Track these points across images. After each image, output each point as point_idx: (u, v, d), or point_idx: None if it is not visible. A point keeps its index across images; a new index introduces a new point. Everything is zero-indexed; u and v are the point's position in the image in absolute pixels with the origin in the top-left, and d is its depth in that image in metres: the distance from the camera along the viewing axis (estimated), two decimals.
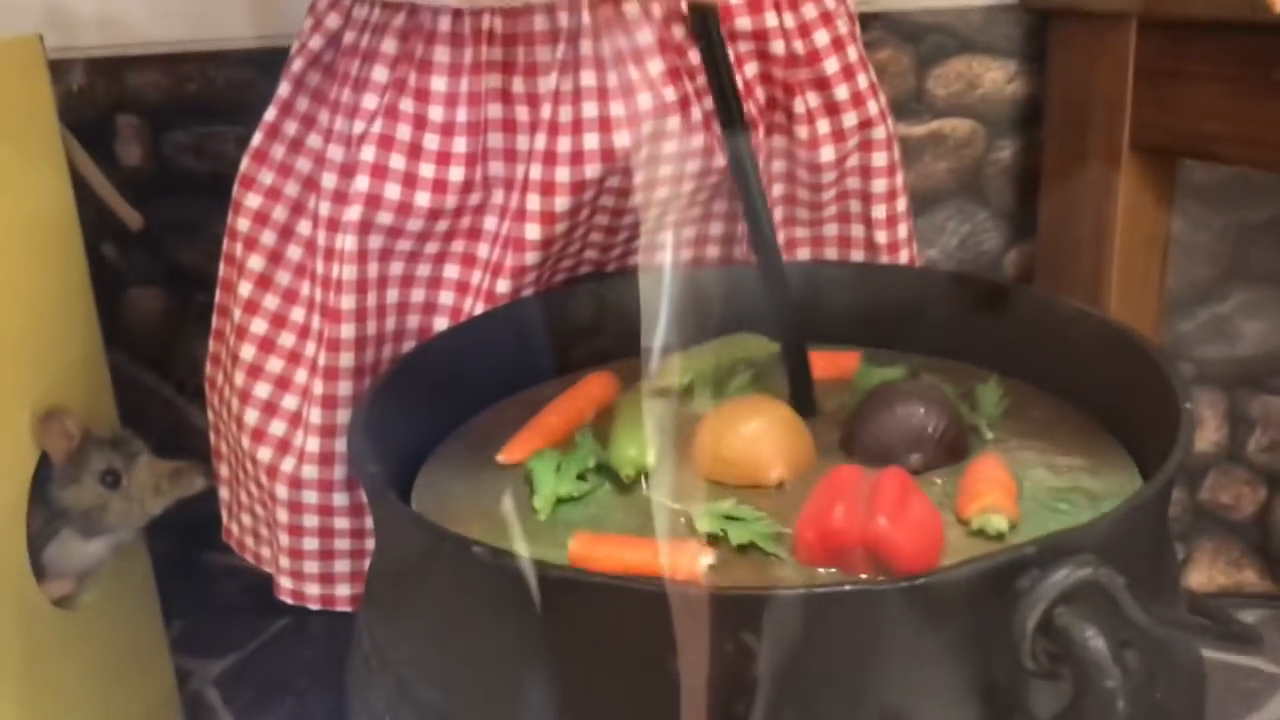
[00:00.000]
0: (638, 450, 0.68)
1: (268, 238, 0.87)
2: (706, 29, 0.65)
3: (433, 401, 0.76)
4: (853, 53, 0.86)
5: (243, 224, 0.87)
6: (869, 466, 0.62)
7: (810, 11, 0.84)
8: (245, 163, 0.87)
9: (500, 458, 0.71)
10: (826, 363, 0.76)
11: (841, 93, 0.85)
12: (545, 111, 0.79)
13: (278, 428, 0.86)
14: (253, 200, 0.87)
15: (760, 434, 0.67)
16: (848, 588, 0.49)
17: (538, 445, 0.71)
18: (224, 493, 0.96)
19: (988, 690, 0.51)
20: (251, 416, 0.87)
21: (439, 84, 0.80)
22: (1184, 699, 0.59)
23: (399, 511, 0.58)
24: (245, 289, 0.87)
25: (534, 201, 0.80)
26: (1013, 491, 0.62)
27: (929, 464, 0.65)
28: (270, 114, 0.87)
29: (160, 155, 1.26)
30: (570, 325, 0.84)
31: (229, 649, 1.40)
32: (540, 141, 0.80)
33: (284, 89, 0.87)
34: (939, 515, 0.59)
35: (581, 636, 0.52)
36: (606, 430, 0.70)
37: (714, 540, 0.60)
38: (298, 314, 0.87)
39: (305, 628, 1.42)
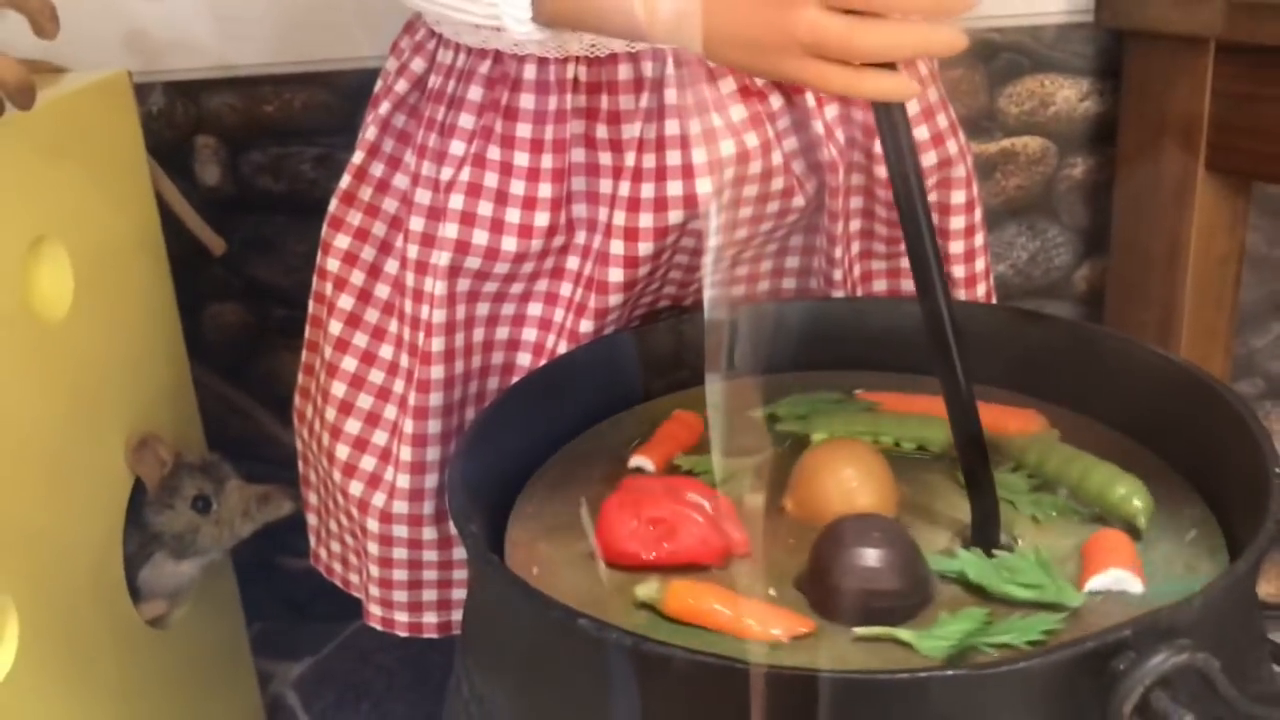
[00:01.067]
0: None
1: (357, 277, 0.89)
2: (891, 120, 0.61)
3: (523, 440, 0.78)
4: (933, 94, 0.86)
5: (332, 264, 0.89)
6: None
7: None
8: (334, 204, 0.89)
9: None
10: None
11: (922, 133, 0.85)
12: (629, 159, 0.80)
13: (368, 463, 0.88)
14: (342, 241, 0.89)
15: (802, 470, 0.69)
16: (949, 672, 0.50)
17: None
18: (312, 519, 0.99)
19: None
20: (343, 451, 0.89)
21: (524, 130, 0.82)
22: None
23: (503, 576, 0.60)
24: (336, 327, 0.89)
25: (618, 246, 0.82)
26: None
27: (810, 598, 0.61)
28: (358, 157, 0.89)
29: (238, 175, 1.28)
30: (651, 358, 0.85)
31: (306, 651, 1.43)
32: (624, 188, 0.81)
33: (371, 132, 0.88)
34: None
35: (682, 711, 0.54)
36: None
37: None
38: (386, 351, 0.89)
39: (380, 632, 1.45)
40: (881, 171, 0.86)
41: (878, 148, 0.86)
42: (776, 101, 0.83)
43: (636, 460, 0.75)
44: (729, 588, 0.62)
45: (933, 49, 0.61)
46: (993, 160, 1.23)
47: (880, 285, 0.94)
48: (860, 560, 0.59)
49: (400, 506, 0.87)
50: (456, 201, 0.82)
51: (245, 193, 1.29)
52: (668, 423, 0.78)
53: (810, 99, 0.83)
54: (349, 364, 0.89)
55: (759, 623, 0.59)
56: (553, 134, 0.82)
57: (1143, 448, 0.74)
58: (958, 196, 0.88)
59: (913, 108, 0.85)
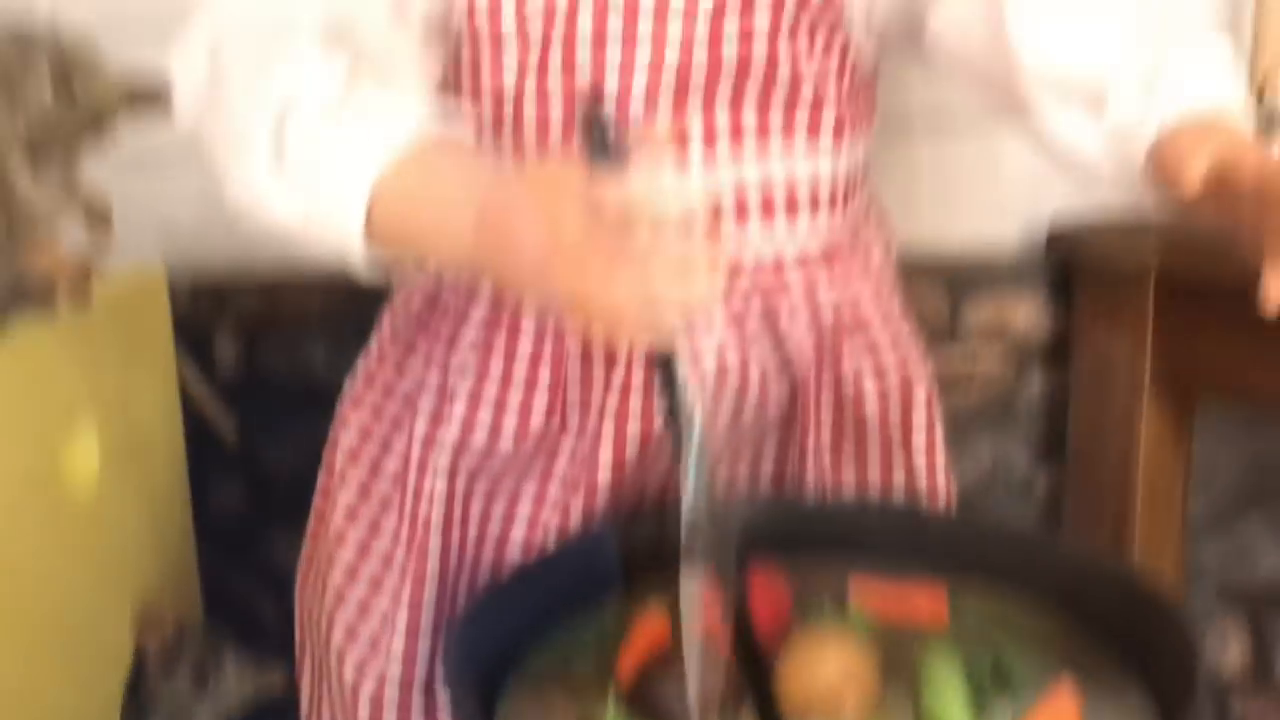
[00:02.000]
0: None
1: (360, 473, 0.96)
2: (670, 377, 0.69)
3: (510, 629, 0.83)
4: (900, 321, 0.96)
5: (338, 460, 0.96)
6: None
7: (859, 286, 0.94)
8: (343, 404, 0.97)
9: None
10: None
11: (888, 358, 0.94)
12: (618, 376, 0.88)
13: (361, 650, 0.93)
14: (347, 439, 0.96)
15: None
16: None
17: None
18: (305, 689, 1.03)
19: None
20: (337, 637, 0.94)
21: (525, 346, 0.90)
22: None
23: None
24: (337, 520, 0.96)
25: (606, 453, 0.89)
26: None
27: None
28: (369, 360, 0.97)
29: (252, 364, 1.36)
30: (632, 554, 0.91)
31: None
32: (614, 399, 0.89)
33: (383, 338, 0.97)
34: None
35: None
36: None
37: None
38: (382, 545, 0.95)
39: None
40: (850, 390, 0.94)
41: (847, 368, 0.94)
42: (754, 322, 0.92)
43: None
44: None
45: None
46: (956, 374, 1.32)
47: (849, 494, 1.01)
48: None
49: (391, 693, 0.91)
50: (459, 409, 0.90)
51: (256, 380, 1.36)
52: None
53: (785, 320, 0.91)
54: (346, 555, 0.95)
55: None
56: (551, 348, 0.90)
57: (1097, 643, 0.80)
58: (919, 416, 0.96)
59: (881, 335, 0.94)
